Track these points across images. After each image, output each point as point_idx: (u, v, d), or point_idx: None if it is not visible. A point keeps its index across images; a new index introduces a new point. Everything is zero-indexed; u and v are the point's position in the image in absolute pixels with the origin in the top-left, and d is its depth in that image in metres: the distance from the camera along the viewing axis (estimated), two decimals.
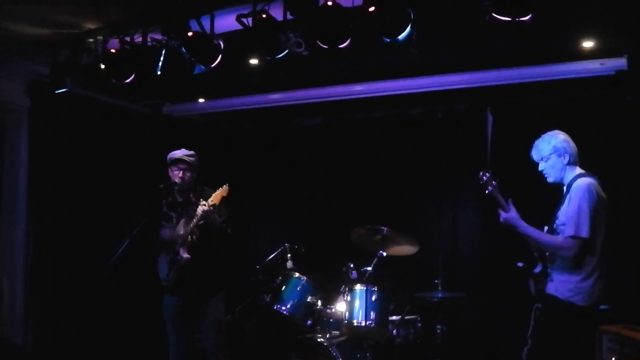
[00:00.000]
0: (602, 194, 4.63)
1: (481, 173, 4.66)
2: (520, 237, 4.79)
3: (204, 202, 5.47)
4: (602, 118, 6.90)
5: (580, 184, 4.60)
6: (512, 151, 6.85)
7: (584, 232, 4.47)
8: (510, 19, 4.59)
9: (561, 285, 4.60)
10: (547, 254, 4.77)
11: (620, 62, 6.27)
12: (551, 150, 4.76)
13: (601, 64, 6.38)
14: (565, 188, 4.76)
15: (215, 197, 5.53)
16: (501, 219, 4.73)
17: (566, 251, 4.53)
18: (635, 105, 6.65)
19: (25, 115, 7.20)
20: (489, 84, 7.00)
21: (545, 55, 6.48)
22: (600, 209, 4.56)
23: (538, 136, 4.90)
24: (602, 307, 4.73)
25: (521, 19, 4.58)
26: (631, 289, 6.52)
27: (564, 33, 5.75)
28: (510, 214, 4.70)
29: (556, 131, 4.87)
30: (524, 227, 4.69)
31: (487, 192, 4.66)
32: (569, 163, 4.75)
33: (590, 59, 6.37)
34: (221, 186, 5.61)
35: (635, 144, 6.67)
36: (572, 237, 4.49)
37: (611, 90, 6.70)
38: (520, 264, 4.90)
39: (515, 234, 4.76)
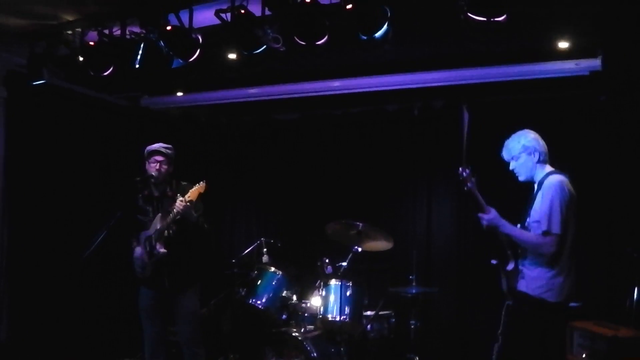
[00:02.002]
0: (573, 191, 4.69)
1: (461, 169, 4.71)
2: (496, 234, 4.85)
3: (181, 198, 5.48)
4: (576, 117, 6.97)
5: (552, 181, 4.66)
6: (487, 149, 6.88)
7: (556, 228, 4.52)
8: (485, 19, 4.63)
9: (532, 281, 4.65)
10: (519, 250, 4.83)
11: (595, 63, 6.32)
12: (521, 149, 4.81)
13: (576, 64, 6.43)
14: (536, 186, 4.82)
15: (192, 193, 5.53)
16: (484, 223, 4.77)
17: (545, 248, 4.57)
18: (608, 105, 6.74)
19: (2, 105, 7.15)
20: (465, 81, 7.03)
21: (521, 54, 6.53)
22: (571, 206, 4.62)
23: (512, 134, 4.96)
24: (572, 304, 4.80)
25: (496, 19, 4.62)
26: (600, 286, 6.61)
27: (540, 33, 5.81)
28: (491, 215, 4.74)
29: (526, 130, 4.92)
30: (506, 226, 4.74)
31: (466, 188, 4.71)
32: (539, 161, 4.80)
33: (565, 59, 6.42)
34: (198, 182, 5.62)
35: (608, 144, 6.76)
36: (544, 233, 4.55)
37: (585, 91, 6.77)
38: (494, 262, 4.94)
39: (497, 234, 4.82)
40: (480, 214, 4.78)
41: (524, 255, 4.76)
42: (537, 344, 4.58)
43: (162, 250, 5.62)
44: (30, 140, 7.27)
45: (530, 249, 4.70)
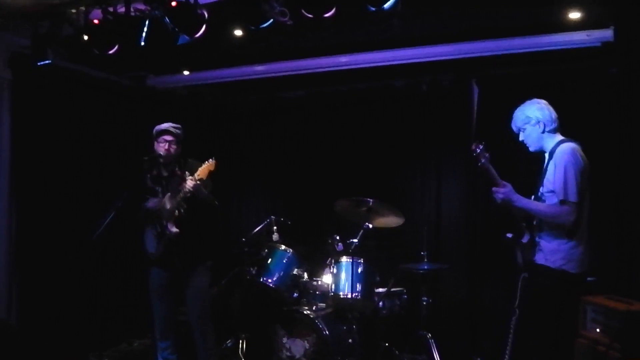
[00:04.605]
0: (586, 159, 4.64)
1: (474, 145, 4.63)
2: (510, 208, 4.79)
3: (191, 177, 5.45)
4: (588, 89, 6.90)
5: (564, 149, 4.61)
6: (497, 123, 6.82)
7: (573, 196, 4.48)
8: None
9: (551, 254, 4.61)
10: (534, 222, 4.77)
11: (607, 34, 6.24)
12: (525, 120, 4.80)
13: (587, 35, 6.34)
14: (547, 156, 4.76)
15: (202, 171, 5.50)
16: (499, 197, 4.70)
17: (562, 217, 4.53)
18: (619, 77, 6.66)
19: (7, 87, 7.09)
20: (474, 55, 6.94)
21: (531, 26, 6.44)
22: (585, 174, 4.58)
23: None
24: (588, 278, 4.76)
25: None
26: (613, 260, 6.57)
27: (550, 3, 5.72)
28: (506, 190, 4.68)
29: (533, 100, 4.88)
30: (521, 200, 4.68)
31: (479, 164, 4.64)
32: (545, 131, 4.75)
33: (577, 30, 6.33)
34: (207, 160, 5.58)
35: (619, 116, 6.69)
36: (561, 201, 4.50)
37: (597, 62, 6.70)
38: (509, 235, 4.90)
39: (511, 208, 4.76)
40: (494, 188, 4.71)
41: (541, 227, 4.71)
42: (557, 315, 4.56)
43: (174, 229, 5.60)
44: (36, 122, 7.21)
45: (548, 220, 4.65)
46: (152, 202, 5.81)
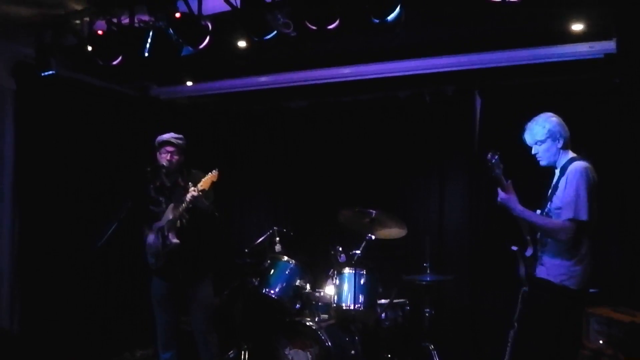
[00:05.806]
0: (596, 177, 4.60)
1: (490, 155, 4.60)
2: (513, 219, 4.77)
3: (193, 188, 5.45)
4: (591, 101, 6.89)
5: (576, 168, 4.55)
6: (500, 134, 6.85)
7: (583, 215, 4.44)
8: (499, 0, 4.56)
9: (554, 269, 4.57)
10: (538, 236, 4.75)
11: (610, 45, 6.25)
12: (546, 134, 4.69)
13: (590, 47, 6.38)
14: (558, 172, 4.72)
15: (205, 182, 5.49)
16: (498, 199, 4.69)
17: (563, 234, 4.49)
18: (622, 88, 6.66)
19: (11, 97, 7.11)
20: (477, 66, 6.98)
21: (534, 37, 6.46)
22: (595, 193, 4.55)
23: (526, 119, 4.84)
24: (590, 290, 4.74)
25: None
26: (617, 271, 6.55)
27: (553, 15, 5.73)
28: (508, 196, 4.66)
29: (549, 114, 4.80)
30: (520, 210, 4.65)
31: (493, 174, 4.62)
32: (562, 147, 4.71)
33: (579, 42, 6.35)
34: (210, 171, 5.58)
35: (623, 127, 6.68)
36: (570, 220, 4.47)
37: (600, 73, 6.70)
38: (514, 248, 4.86)
39: (510, 215, 4.74)
40: (499, 189, 4.68)
41: (545, 241, 4.67)
42: (556, 330, 4.53)
43: (175, 240, 5.59)
44: (39, 132, 7.22)
45: (546, 234, 4.62)
46: (150, 238, 5.81)
